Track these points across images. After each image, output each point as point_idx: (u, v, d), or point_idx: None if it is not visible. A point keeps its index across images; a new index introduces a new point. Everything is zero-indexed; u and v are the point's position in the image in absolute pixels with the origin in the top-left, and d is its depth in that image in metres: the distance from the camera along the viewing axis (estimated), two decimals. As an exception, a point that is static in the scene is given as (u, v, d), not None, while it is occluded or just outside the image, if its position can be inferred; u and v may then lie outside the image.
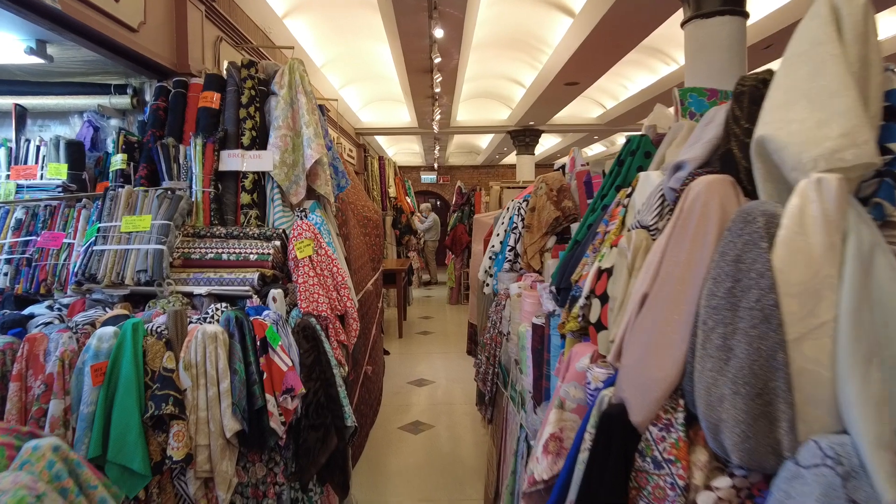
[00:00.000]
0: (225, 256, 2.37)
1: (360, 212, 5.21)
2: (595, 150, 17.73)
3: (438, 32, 5.64)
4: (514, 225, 2.98)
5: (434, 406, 5.13)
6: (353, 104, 10.24)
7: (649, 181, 1.43)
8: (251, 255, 2.36)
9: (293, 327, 2.23)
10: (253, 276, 2.28)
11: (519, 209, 3.01)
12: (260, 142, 2.64)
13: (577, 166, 3.01)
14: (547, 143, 15.44)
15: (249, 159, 2.58)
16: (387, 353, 7.04)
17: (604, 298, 1.36)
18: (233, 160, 2.58)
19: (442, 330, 8.40)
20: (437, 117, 9.11)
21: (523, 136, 11.60)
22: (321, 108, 6.09)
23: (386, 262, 9.11)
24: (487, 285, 3.09)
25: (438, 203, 19.17)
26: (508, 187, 7.28)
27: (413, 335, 8.10)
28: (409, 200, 12.58)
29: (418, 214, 13.50)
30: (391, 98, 10.60)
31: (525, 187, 7.80)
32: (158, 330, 1.96)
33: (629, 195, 1.50)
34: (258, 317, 2.12)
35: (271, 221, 2.58)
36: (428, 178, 19.63)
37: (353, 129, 10.67)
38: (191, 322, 2.07)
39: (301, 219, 2.55)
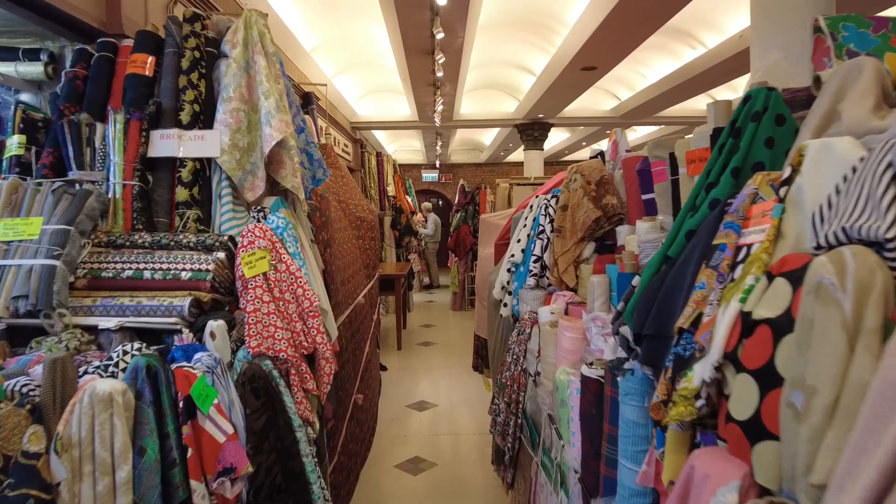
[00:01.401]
0: (147, 275, 1.73)
1: (354, 212, 4.59)
2: (605, 146, 17.05)
3: (441, 0, 4.98)
4: (541, 228, 2.33)
5: (436, 437, 4.49)
6: (349, 95, 9.60)
7: (834, 155, 0.79)
8: (184, 273, 1.72)
9: (237, 377, 1.59)
10: (183, 302, 1.64)
11: (546, 208, 2.36)
12: (205, 119, 2.01)
13: (621, 152, 2.36)
14: (554, 139, 14.79)
15: (189, 142, 1.95)
16: (384, 368, 6.40)
17: (765, 377, 0.71)
18: (166, 143, 1.95)
19: (445, 340, 7.76)
20: (440, 108, 8.47)
21: (531, 129, 10.95)
22: (308, 96, 5.44)
23: (384, 265, 8.47)
24: (506, 305, 2.45)
25: (440, 202, 18.54)
26: (519, 184, 6.63)
27: (413, 346, 7.47)
28: (409, 200, 11.97)
29: (419, 214, 12.92)
30: (390, 89, 9.96)
31: (538, 183, 7.15)
32: (24, 391, 1.33)
33: (786, 182, 0.86)
34: (185, 364, 1.48)
35: (217, 225, 1.94)
36: (429, 176, 18.99)
37: (348, 122, 10.03)
38: (84, 374, 1.44)
39: (258, 221, 1.91)
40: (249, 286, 1.71)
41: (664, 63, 8.34)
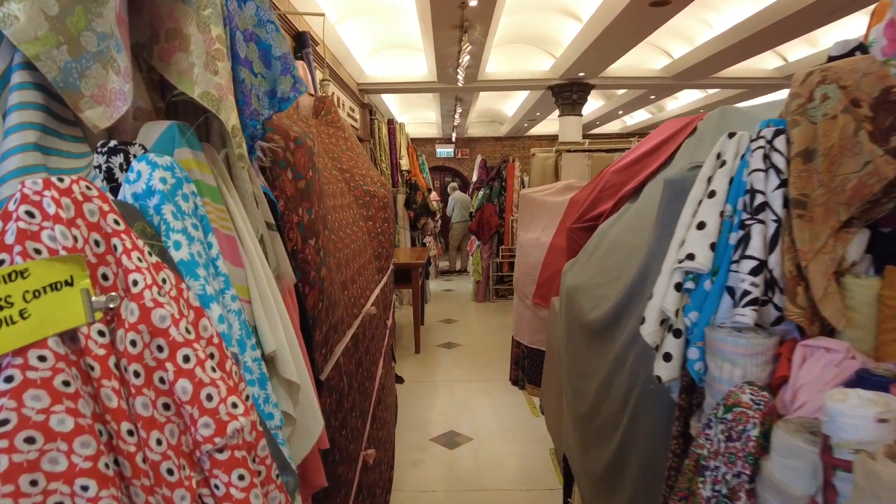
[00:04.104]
0: None
1: (361, 184, 3.41)
2: (638, 117, 15.69)
3: None
4: (758, 201, 1.13)
5: (477, 496, 3.33)
6: (357, 50, 8.32)
7: None
8: None
9: None
10: None
11: (764, 157, 1.16)
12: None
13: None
14: (586, 108, 13.43)
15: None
16: (399, 380, 5.26)
17: None
18: None
19: (471, 341, 6.59)
20: (465, 61, 7.19)
21: (569, 91, 9.62)
22: (302, 37, 4.15)
23: (397, 252, 7.31)
24: (668, 358, 1.24)
25: (457, 181, 17.33)
26: (570, 150, 5.37)
27: (433, 349, 6.31)
28: (424, 176, 10.80)
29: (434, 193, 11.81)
30: (404, 44, 8.68)
31: (594, 150, 5.85)
32: None
33: None
34: None
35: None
36: (444, 151, 17.74)
37: (355, 83, 8.78)
38: None
39: (100, 171, 0.71)
40: (0, 376, 0.53)
41: (740, 6, 6.98)
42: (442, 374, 5.49)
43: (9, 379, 0.53)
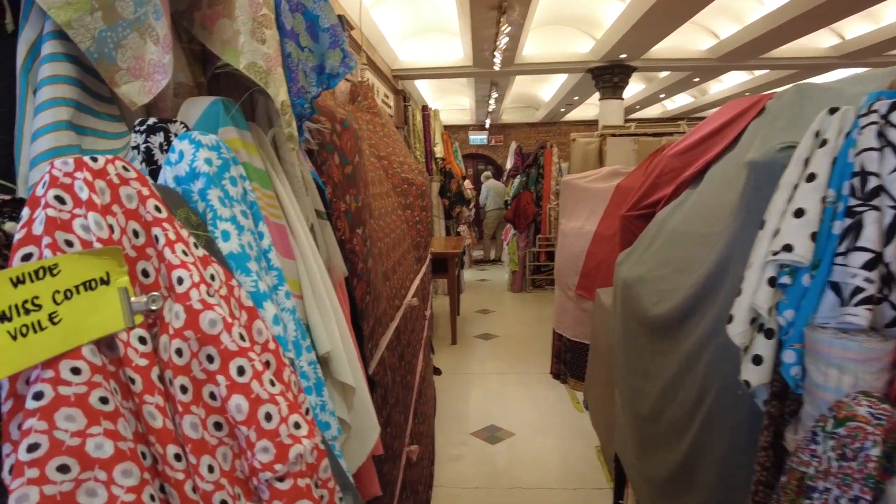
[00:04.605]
0: None
1: (399, 172, 3.34)
2: (679, 101, 15.22)
3: None
4: (872, 185, 0.99)
5: (522, 494, 3.24)
6: (390, 34, 8.22)
7: None
8: None
9: None
10: None
11: (880, 133, 1.02)
12: None
13: None
14: (626, 92, 13.09)
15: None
16: (437, 372, 5.19)
17: None
18: None
19: (508, 332, 6.48)
20: (503, 43, 7.00)
21: (611, 74, 9.34)
22: (339, 19, 4.09)
23: (432, 241, 7.23)
24: (759, 363, 1.12)
25: (491, 169, 17.14)
26: (615, 134, 5.17)
27: (470, 339, 6.22)
28: (458, 164, 10.69)
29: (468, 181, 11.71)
30: (439, 28, 8.54)
31: (641, 133, 5.62)
32: None
33: None
34: None
35: (22, 161, 0.68)
36: (477, 138, 17.55)
37: (389, 69, 8.69)
38: None
39: (139, 152, 0.63)
40: (28, 392, 0.45)
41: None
42: (479, 365, 5.41)
43: (38, 396, 0.45)
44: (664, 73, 11.37)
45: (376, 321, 1.84)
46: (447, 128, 12.36)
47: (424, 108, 8.26)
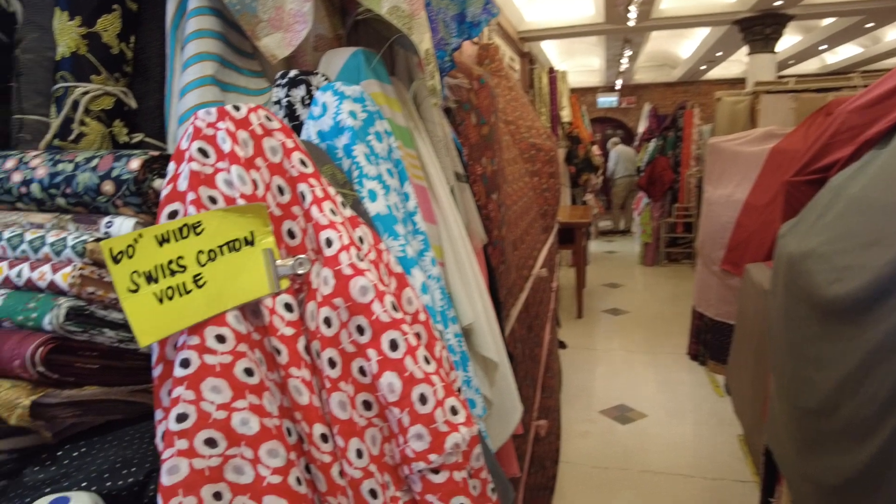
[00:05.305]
0: None
1: (526, 137, 3.23)
2: (843, 54, 13.45)
3: None
4: None
5: (653, 478, 3.08)
6: (516, -5, 7.98)
7: None
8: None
9: None
10: None
11: None
12: None
13: None
14: (779, 46, 11.80)
15: None
16: (563, 345, 5.08)
17: None
18: None
19: (639, 307, 6.18)
20: (639, -3, 6.54)
21: (762, 24, 8.44)
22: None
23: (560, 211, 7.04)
24: None
25: (620, 133, 16.36)
26: (769, 91, 4.65)
27: (597, 314, 6.01)
28: (586, 128, 10.29)
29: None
30: (568, -17, 8.15)
31: (801, 90, 5.01)
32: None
33: None
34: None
35: (171, 118, 0.68)
36: (606, 100, 16.79)
37: (515, 31, 8.45)
38: None
39: (280, 106, 0.59)
40: (176, 358, 0.42)
41: None
42: (607, 341, 5.21)
43: (185, 363, 0.42)
44: (827, 21, 10.06)
45: (507, 292, 1.78)
46: (574, 90, 11.90)
47: (551, 70, 7.99)
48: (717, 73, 15.14)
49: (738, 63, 12.55)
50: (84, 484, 0.50)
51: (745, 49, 9.37)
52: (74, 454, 0.54)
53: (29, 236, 0.58)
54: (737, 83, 12.76)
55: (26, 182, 0.64)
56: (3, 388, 0.50)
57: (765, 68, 8.82)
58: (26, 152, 0.68)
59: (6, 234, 0.60)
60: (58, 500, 0.47)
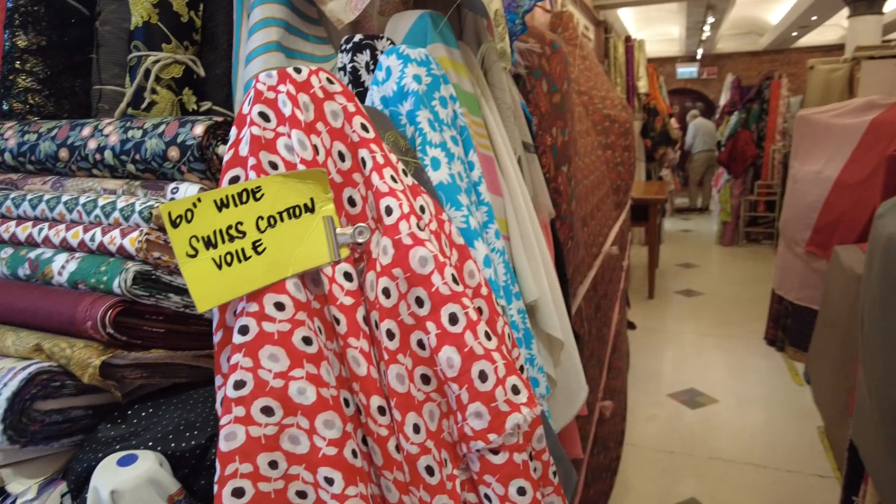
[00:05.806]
0: None
1: (601, 108, 3.13)
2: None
3: None
4: None
5: (723, 466, 2.97)
6: (592, -40, 7.66)
7: None
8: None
9: None
10: None
11: None
12: None
13: None
14: (886, 6, 10.83)
15: None
16: (632, 326, 4.95)
17: None
18: None
19: (714, 289, 5.94)
20: (727, -42, 6.14)
21: (867, -17, 7.79)
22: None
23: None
24: None
25: (700, 105, 15.61)
26: (872, 56, 4.28)
27: (669, 295, 5.83)
28: (664, 100, 9.87)
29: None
30: (648, -54, 7.76)
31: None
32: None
33: None
34: None
35: (238, 86, 0.68)
36: (686, 71, 16.02)
37: (590, -1, 8.15)
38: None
39: (344, 72, 0.58)
40: (235, 325, 0.42)
41: None
42: (679, 324, 5.05)
43: (244, 330, 0.42)
44: (944, -21, 9.14)
45: (575, 269, 1.73)
46: (651, 60, 11.40)
47: (627, 39, 7.68)
48: (810, 39, 14.09)
49: (834, 28, 11.66)
50: (150, 444, 0.52)
51: (844, 12, 8.66)
52: (143, 414, 0.56)
53: (101, 202, 0.61)
54: (832, 50, 11.85)
55: (101, 149, 0.66)
56: (77, 347, 0.52)
57: (868, 32, 8.12)
58: (101, 120, 0.70)
59: (82, 200, 0.63)
60: (126, 458, 0.49)
